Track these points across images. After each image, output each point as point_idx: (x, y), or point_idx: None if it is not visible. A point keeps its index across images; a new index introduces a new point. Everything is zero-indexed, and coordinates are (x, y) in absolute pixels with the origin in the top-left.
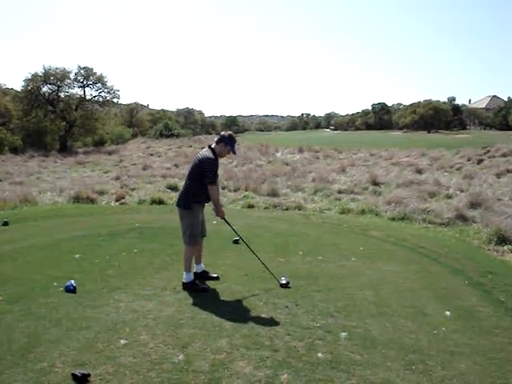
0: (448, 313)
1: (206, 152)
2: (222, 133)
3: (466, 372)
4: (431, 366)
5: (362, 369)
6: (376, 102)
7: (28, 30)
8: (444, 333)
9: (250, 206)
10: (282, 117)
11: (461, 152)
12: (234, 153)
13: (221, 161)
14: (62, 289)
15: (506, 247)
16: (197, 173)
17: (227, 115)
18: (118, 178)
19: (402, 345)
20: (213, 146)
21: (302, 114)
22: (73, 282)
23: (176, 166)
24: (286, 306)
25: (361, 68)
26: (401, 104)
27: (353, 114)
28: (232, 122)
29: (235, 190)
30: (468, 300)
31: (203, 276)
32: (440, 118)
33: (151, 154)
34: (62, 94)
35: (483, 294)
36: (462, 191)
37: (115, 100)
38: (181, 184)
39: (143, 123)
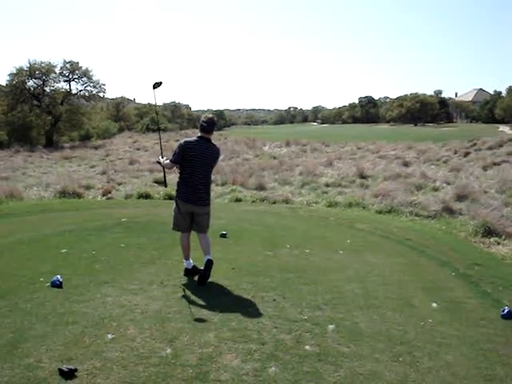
0: (435, 304)
1: (215, 144)
2: (208, 119)
3: (453, 363)
4: (418, 357)
5: (349, 361)
6: (363, 96)
7: (12, 24)
8: (431, 324)
9: (238, 200)
10: (269, 110)
11: (447, 145)
12: None
13: None
14: (48, 284)
15: (492, 239)
16: (213, 166)
17: (214, 109)
18: (104, 173)
19: (389, 337)
20: (210, 137)
21: (289, 108)
22: (59, 276)
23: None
24: (273, 299)
25: (347, 61)
26: (387, 97)
27: (340, 108)
28: (219, 116)
29: (222, 184)
30: (455, 292)
31: (194, 271)
32: (427, 111)
33: (138, 149)
34: (47, 89)
35: (470, 285)
36: (448, 184)
37: (101, 94)
38: (169, 178)
39: (130, 117)
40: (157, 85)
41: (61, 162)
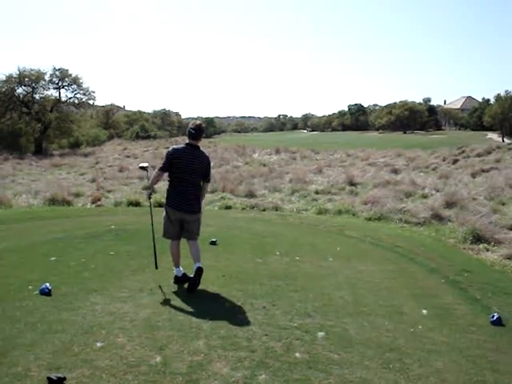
0: (424, 311)
1: (204, 152)
2: (196, 126)
3: (443, 370)
4: (408, 364)
5: (339, 368)
6: (352, 103)
7: (1, 31)
8: (421, 331)
9: (228, 207)
10: (259, 118)
11: (436, 152)
12: None
13: None
14: (37, 292)
15: (481, 246)
16: (203, 173)
17: (204, 116)
18: (94, 180)
19: (379, 344)
20: (198, 144)
21: (279, 115)
22: (48, 284)
23: (153, 167)
24: (263, 307)
25: (337, 69)
26: (377, 105)
27: (329, 115)
28: (209, 124)
29: (212, 192)
30: (444, 298)
31: (184, 278)
32: (416, 118)
33: (128, 156)
34: (36, 96)
35: (459, 292)
36: (437, 191)
37: (91, 101)
38: (157, 186)
39: (119, 125)
40: (143, 168)
41: (50, 170)
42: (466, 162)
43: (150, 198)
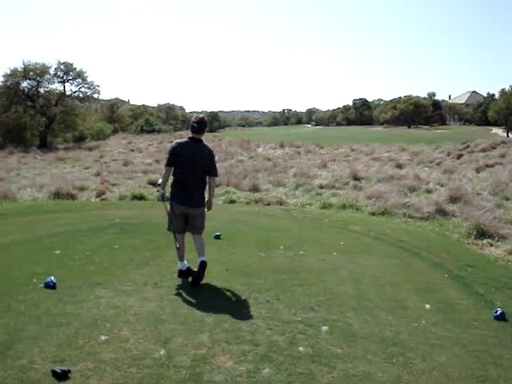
0: (428, 306)
1: (207, 145)
2: (199, 120)
3: (446, 364)
4: (411, 358)
5: (342, 362)
6: (357, 98)
7: (5, 24)
8: (424, 326)
9: (232, 202)
10: (264, 112)
11: (441, 147)
12: None
13: None
14: (41, 285)
15: (485, 241)
16: (206, 167)
17: (209, 111)
18: (98, 174)
19: (382, 338)
20: (201, 138)
21: (284, 110)
22: (53, 278)
23: (157, 161)
24: (267, 301)
25: (342, 64)
26: (381, 99)
27: (334, 110)
28: (213, 118)
29: (216, 186)
30: (448, 293)
31: (188, 272)
32: (420, 113)
33: (132, 150)
34: (41, 90)
35: (463, 287)
36: (441, 186)
37: (95, 95)
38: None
39: (124, 119)
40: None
41: (55, 163)
42: (470, 157)
43: (163, 199)
